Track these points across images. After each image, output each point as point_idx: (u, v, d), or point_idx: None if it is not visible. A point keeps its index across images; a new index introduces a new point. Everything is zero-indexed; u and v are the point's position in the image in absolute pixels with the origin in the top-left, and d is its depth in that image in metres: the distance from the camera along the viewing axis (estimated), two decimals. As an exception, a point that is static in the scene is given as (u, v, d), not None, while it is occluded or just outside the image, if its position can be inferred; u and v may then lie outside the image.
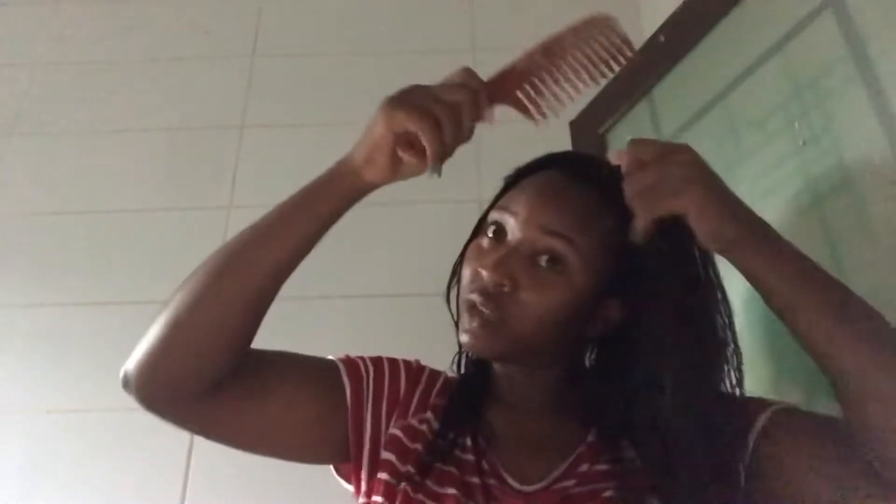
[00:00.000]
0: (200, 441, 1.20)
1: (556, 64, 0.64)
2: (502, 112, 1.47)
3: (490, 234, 0.67)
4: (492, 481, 0.64)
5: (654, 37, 1.14)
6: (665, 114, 1.12)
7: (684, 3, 1.08)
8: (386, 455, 0.67)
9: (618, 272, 0.64)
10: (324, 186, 0.64)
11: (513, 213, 0.66)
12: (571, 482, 0.62)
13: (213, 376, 0.64)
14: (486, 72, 0.64)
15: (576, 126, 1.32)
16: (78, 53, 1.62)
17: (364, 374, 0.72)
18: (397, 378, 0.73)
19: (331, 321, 1.31)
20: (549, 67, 0.64)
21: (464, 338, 0.65)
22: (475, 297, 0.64)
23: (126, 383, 0.65)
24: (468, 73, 0.61)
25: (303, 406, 0.69)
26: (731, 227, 0.55)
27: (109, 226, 1.42)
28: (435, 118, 0.56)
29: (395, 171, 0.61)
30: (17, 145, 1.52)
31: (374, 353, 0.77)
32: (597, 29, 0.64)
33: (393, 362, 0.75)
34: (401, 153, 0.59)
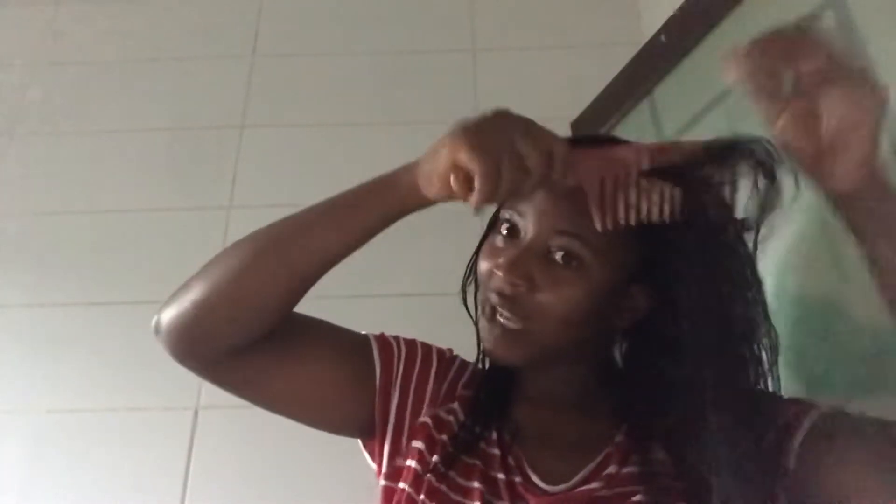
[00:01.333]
0: (200, 441, 1.22)
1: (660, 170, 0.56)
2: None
3: (503, 232, 0.65)
4: (517, 478, 0.63)
5: (656, 37, 1.14)
6: (666, 114, 1.12)
7: (685, 3, 1.08)
8: (416, 444, 0.66)
9: (640, 260, 0.62)
10: (382, 189, 0.62)
11: (521, 213, 0.63)
12: (598, 484, 0.60)
13: (246, 341, 0.64)
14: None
15: (577, 126, 1.32)
16: (78, 53, 1.63)
17: (396, 356, 0.71)
18: (429, 364, 0.72)
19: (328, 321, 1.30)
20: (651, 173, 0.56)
21: (486, 346, 0.64)
22: (493, 297, 0.63)
23: (157, 331, 0.65)
24: (559, 144, 0.55)
25: (330, 377, 0.69)
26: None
27: (109, 226, 1.42)
28: (498, 170, 0.52)
29: (449, 194, 0.57)
30: (17, 145, 1.52)
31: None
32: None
33: (427, 349, 0.74)
34: (452, 182, 0.55)
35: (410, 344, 0.74)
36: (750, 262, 0.62)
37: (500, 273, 0.61)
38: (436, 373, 0.72)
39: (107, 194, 1.46)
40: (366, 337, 0.73)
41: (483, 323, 0.65)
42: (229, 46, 1.62)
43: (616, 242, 0.61)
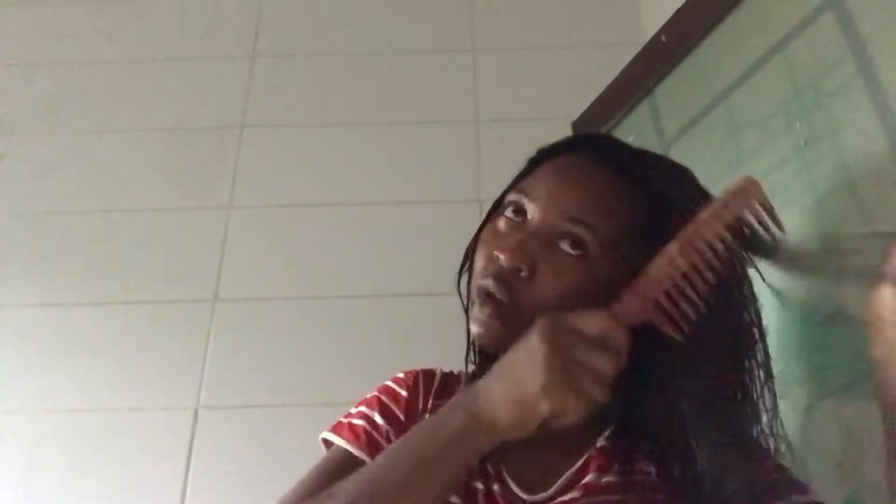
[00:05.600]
0: (200, 441, 1.22)
1: (694, 261, 0.56)
2: (500, 110, 1.47)
3: (509, 215, 0.64)
4: (495, 486, 0.62)
5: (656, 37, 1.14)
6: (666, 114, 1.12)
7: (685, 3, 1.08)
8: None
9: (642, 258, 0.59)
10: (456, 448, 0.55)
11: (532, 198, 0.63)
12: (576, 494, 0.59)
13: None
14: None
15: (578, 126, 1.32)
16: (78, 53, 1.63)
17: (375, 437, 0.68)
18: (394, 414, 0.69)
19: (328, 321, 1.31)
20: (688, 267, 0.56)
21: (475, 328, 0.61)
22: (489, 282, 0.60)
23: None
24: (609, 323, 0.54)
25: None
26: None
27: (109, 226, 1.42)
28: (587, 396, 0.52)
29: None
30: (18, 145, 1.52)
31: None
32: (740, 204, 0.57)
33: (382, 406, 0.70)
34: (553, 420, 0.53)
35: (368, 418, 0.69)
36: (748, 283, 0.61)
37: (503, 256, 0.60)
38: (405, 409, 0.69)
39: (107, 194, 1.45)
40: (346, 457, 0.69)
41: (475, 307, 0.62)
42: (229, 46, 1.62)
43: (622, 238, 0.61)
